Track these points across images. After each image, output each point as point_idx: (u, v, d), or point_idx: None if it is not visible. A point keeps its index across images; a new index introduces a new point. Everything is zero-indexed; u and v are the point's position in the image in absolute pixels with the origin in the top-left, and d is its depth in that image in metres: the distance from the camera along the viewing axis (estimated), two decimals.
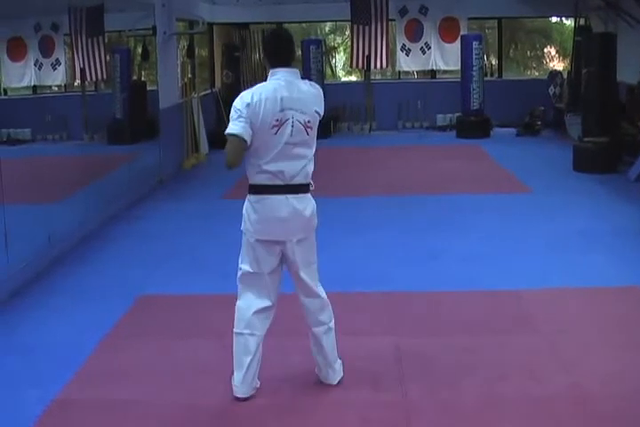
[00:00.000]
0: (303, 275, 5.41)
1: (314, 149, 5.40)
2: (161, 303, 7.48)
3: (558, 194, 11.75)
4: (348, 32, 19.95)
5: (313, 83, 5.43)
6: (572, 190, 12.00)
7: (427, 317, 6.90)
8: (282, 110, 5.14)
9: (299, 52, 20.35)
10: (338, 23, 22.18)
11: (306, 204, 5.39)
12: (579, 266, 8.25)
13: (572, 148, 13.82)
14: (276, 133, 5.15)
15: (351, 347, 6.14)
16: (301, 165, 5.31)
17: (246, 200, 5.43)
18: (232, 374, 5.39)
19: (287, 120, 5.15)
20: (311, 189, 5.41)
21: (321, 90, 5.42)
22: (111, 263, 8.81)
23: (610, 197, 11.50)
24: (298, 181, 5.31)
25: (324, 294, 5.50)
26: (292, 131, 5.18)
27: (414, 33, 19.41)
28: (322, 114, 5.35)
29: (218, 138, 16.86)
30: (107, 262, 8.85)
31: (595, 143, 13.23)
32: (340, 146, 16.85)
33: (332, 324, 5.54)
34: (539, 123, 18.27)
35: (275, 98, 5.14)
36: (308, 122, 5.23)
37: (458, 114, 18.66)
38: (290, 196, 5.30)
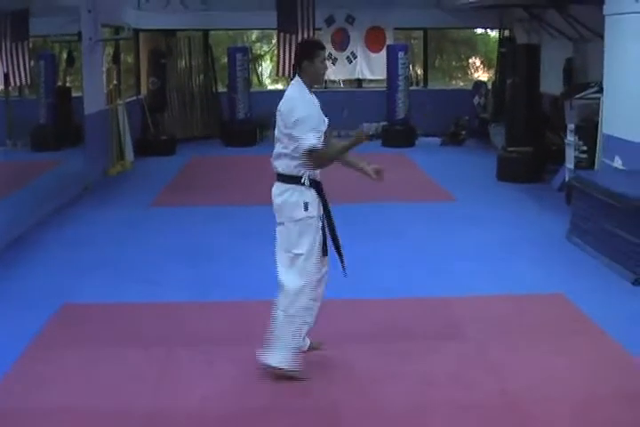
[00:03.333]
0: (276, 255, 5.87)
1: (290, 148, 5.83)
2: (87, 312, 7.40)
3: (483, 202, 11.87)
4: (274, 40, 19.91)
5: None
6: (497, 199, 12.14)
7: (355, 323, 6.92)
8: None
9: (224, 60, 20.31)
10: (264, 31, 22.17)
11: (280, 191, 5.86)
12: (504, 274, 8.35)
13: (496, 157, 13.99)
14: None
15: None
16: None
17: None
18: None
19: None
20: (302, 182, 5.80)
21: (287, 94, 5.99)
22: (37, 270, 8.68)
23: (534, 205, 11.65)
24: (276, 170, 5.92)
25: (287, 283, 5.77)
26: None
27: (341, 42, 19.51)
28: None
29: (143, 145, 16.85)
30: (32, 269, 8.72)
31: (519, 153, 13.41)
32: (266, 154, 16.79)
33: (280, 312, 5.77)
34: (463, 132, 18.45)
35: None
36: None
37: (383, 123, 18.77)
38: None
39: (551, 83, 14.86)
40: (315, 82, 5.98)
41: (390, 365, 6.04)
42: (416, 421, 5.18)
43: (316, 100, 5.93)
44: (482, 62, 24.73)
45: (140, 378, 5.86)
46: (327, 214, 5.95)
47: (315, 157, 5.75)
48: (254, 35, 24.36)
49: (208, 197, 12.27)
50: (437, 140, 18.55)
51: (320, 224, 5.83)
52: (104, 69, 15.68)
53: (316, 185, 5.86)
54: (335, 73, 19.72)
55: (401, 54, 18.30)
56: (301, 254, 5.74)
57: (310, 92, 5.93)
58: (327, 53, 17.29)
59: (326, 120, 5.93)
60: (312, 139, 5.70)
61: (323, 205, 5.87)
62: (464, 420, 5.17)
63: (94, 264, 8.86)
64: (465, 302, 7.49)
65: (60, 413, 5.34)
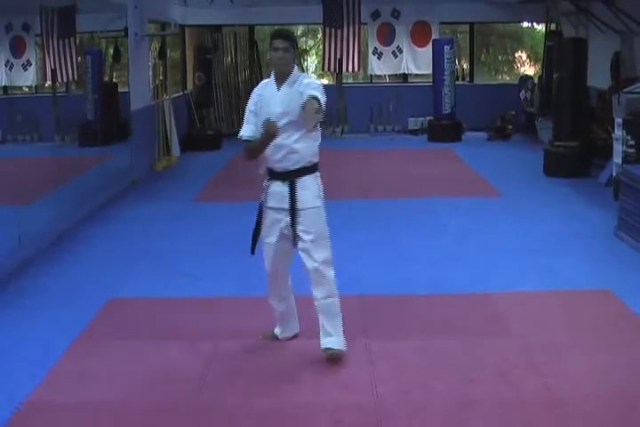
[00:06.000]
0: None
1: None
2: (132, 306, 7.44)
3: (530, 198, 11.80)
4: (320, 35, 19.89)
5: None
6: (543, 194, 12.05)
7: (398, 319, 6.90)
8: None
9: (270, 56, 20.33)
10: (310, 26, 22.13)
11: None
12: (550, 269, 8.27)
13: (542, 152, 13.89)
14: None
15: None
16: None
17: (318, 177, 6.48)
18: None
19: None
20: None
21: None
22: (83, 265, 8.76)
23: (581, 200, 11.56)
24: None
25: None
26: None
27: (386, 37, 19.45)
28: None
29: (189, 140, 16.94)
30: (78, 264, 8.80)
31: (565, 147, 13.30)
32: None
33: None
34: (510, 127, 18.35)
35: None
36: None
37: (429, 118, 18.72)
38: None
39: (598, 77, 14.71)
40: (275, 71, 5.95)
41: (433, 361, 6.02)
42: (459, 417, 5.15)
43: (278, 92, 5.88)
44: (528, 56, 24.50)
45: (185, 373, 5.89)
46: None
47: (244, 148, 6.11)
48: (300, 30, 24.32)
49: (252, 191, 12.24)
50: (484, 134, 18.46)
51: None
52: (150, 65, 15.77)
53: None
54: (381, 67, 19.69)
55: (447, 49, 18.22)
56: None
57: (278, 80, 5.91)
58: (373, 48, 17.36)
59: (273, 114, 5.79)
60: (242, 130, 6.02)
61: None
62: (507, 417, 5.13)
63: (139, 259, 8.92)
64: (510, 298, 7.43)
65: (105, 406, 5.37)
